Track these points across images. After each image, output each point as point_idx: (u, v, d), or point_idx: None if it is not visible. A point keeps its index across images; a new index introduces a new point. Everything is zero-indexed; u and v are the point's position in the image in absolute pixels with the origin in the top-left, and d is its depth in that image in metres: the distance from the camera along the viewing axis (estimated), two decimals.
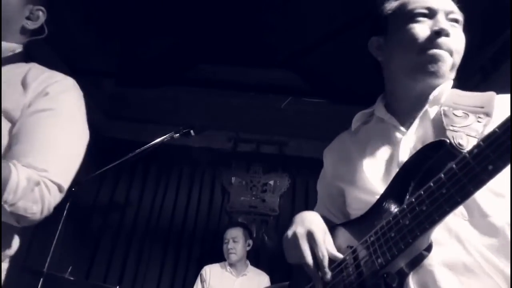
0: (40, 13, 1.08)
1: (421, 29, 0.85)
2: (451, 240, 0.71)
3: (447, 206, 0.60)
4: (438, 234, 0.70)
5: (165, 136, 2.35)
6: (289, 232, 0.85)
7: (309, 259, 0.78)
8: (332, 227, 0.88)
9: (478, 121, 0.74)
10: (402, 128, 0.87)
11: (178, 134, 2.38)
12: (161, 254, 3.47)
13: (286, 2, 2.57)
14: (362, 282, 0.70)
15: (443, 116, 0.78)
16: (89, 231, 3.54)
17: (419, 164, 0.72)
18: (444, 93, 0.86)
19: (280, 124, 3.74)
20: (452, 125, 0.74)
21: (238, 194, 3.71)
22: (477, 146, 0.59)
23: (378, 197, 0.79)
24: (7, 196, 0.81)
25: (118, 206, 3.60)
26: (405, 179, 0.73)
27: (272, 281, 2.90)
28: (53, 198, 0.92)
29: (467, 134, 0.71)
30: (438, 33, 0.82)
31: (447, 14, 0.86)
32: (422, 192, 0.65)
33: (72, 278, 2.04)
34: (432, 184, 0.64)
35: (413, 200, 0.66)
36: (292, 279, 0.94)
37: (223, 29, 2.86)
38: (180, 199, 3.69)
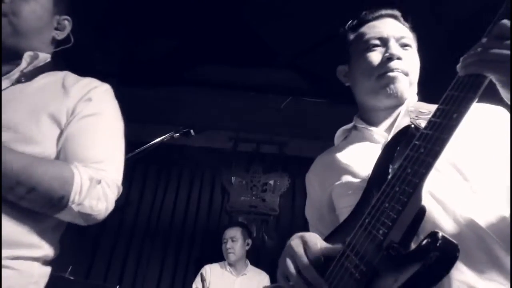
0: (66, 22, 1.12)
1: (376, 57, 0.96)
2: (447, 217, 0.75)
3: (429, 158, 0.66)
4: (435, 213, 0.75)
5: (165, 136, 2.35)
6: (285, 248, 0.85)
7: (304, 258, 0.77)
8: (325, 237, 0.87)
9: None
10: (381, 132, 0.96)
11: (178, 134, 2.38)
12: (161, 254, 3.47)
13: (287, 2, 2.58)
14: (367, 262, 0.69)
15: (409, 112, 0.89)
16: (89, 231, 3.54)
17: (392, 149, 0.80)
18: (411, 105, 0.95)
19: (280, 124, 3.74)
20: (416, 116, 0.85)
21: (238, 193, 3.71)
22: (437, 110, 0.70)
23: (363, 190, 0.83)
24: (74, 196, 0.86)
25: (118, 206, 3.59)
26: (383, 165, 0.80)
27: (272, 280, 2.90)
28: (114, 195, 0.97)
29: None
30: (390, 58, 0.93)
31: (398, 40, 0.97)
32: (402, 162, 0.71)
33: (72, 278, 2.04)
34: (409, 152, 0.71)
35: (396, 171, 0.72)
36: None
37: (223, 29, 2.86)
38: (180, 199, 3.70)
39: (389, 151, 0.81)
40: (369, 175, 0.83)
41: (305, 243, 0.80)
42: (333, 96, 3.40)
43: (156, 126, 3.27)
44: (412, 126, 0.80)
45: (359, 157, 0.94)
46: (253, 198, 3.69)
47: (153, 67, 3.32)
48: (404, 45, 0.97)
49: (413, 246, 0.68)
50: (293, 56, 3.09)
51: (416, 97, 1.01)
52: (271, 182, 3.77)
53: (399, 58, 0.94)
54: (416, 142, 0.70)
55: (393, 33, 0.97)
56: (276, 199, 3.69)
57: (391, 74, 0.93)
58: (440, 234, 0.62)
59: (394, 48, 0.94)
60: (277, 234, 3.54)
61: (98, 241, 3.51)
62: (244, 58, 3.13)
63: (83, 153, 0.93)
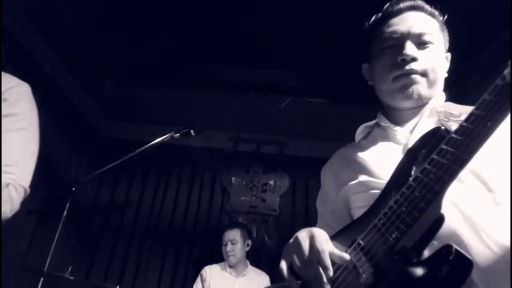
0: None
1: (391, 59, 0.92)
2: (467, 228, 0.71)
3: (455, 166, 0.63)
4: (455, 223, 0.71)
5: (165, 136, 2.35)
6: (291, 240, 0.84)
7: (307, 255, 0.76)
8: (336, 233, 0.87)
9: None
10: (405, 132, 0.92)
11: (178, 134, 2.38)
12: (161, 254, 3.47)
13: (287, 3, 2.58)
14: (376, 264, 0.69)
15: (438, 113, 0.85)
16: (89, 231, 3.54)
17: (418, 151, 0.76)
18: (439, 104, 0.92)
19: (280, 124, 3.74)
20: (446, 118, 0.81)
21: (238, 194, 3.71)
22: (471, 114, 0.64)
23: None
24: None
25: (118, 206, 3.60)
26: (407, 166, 0.76)
27: (272, 281, 2.90)
28: (19, 198, 0.97)
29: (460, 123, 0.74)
30: (403, 60, 0.89)
31: (416, 37, 0.91)
32: (426, 165, 0.67)
33: (72, 278, 2.04)
34: (435, 156, 0.67)
35: (419, 174, 0.68)
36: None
37: (224, 29, 2.86)
38: (180, 199, 3.69)
39: (415, 152, 0.77)
40: (389, 176, 0.81)
41: (311, 238, 0.78)
42: (333, 96, 3.41)
43: (156, 126, 3.28)
44: (442, 128, 0.76)
45: (379, 157, 0.92)
46: (253, 198, 3.69)
47: (154, 67, 3.32)
48: (423, 43, 0.91)
49: (426, 253, 0.66)
50: (293, 56, 3.09)
51: (443, 95, 0.97)
52: (271, 182, 3.77)
53: (414, 59, 0.89)
54: (444, 147, 0.66)
55: (410, 30, 0.91)
56: (276, 199, 3.69)
57: (405, 76, 0.90)
58: (454, 248, 0.60)
59: (409, 48, 0.90)
60: (277, 234, 3.53)
61: (98, 241, 3.51)
62: (245, 58, 3.14)
63: None
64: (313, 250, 0.76)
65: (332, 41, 2.81)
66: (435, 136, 0.75)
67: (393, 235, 0.68)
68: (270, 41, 2.95)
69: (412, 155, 0.78)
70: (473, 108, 0.65)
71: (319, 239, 0.76)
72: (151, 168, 3.80)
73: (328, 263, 0.73)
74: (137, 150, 2.31)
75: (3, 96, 0.98)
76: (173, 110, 3.66)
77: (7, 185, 0.92)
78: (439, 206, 0.65)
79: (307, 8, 2.58)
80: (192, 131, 2.40)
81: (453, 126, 0.72)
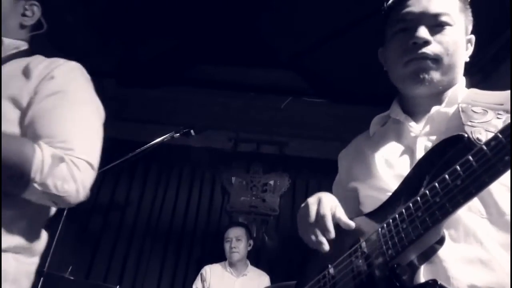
0: (35, 8, 1.06)
1: (402, 42, 0.87)
2: (468, 238, 0.70)
3: (461, 197, 0.59)
4: (455, 231, 0.70)
5: (165, 136, 2.35)
6: (302, 204, 0.90)
7: (313, 219, 0.82)
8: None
9: (498, 118, 0.74)
10: (417, 127, 0.87)
11: (178, 134, 2.38)
12: (161, 254, 3.47)
13: (287, 3, 2.58)
14: (371, 273, 0.70)
15: (461, 112, 0.77)
16: (89, 231, 3.54)
17: (435, 158, 0.71)
18: (460, 92, 0.86)
19: (280, 124, 3.74)
20: (470, 121, 0.74)
21: (238, 194, 3.71)
22: (494, 138, 0.58)
23: (389, 194, 0.79)
24: (35, 175, 0.80)
25: (118, 206, 3.60)
26: (420, 174, 0.73)
27: (272, 281, 2.90)
28: (85, 175, 0.90)
29: (486, 130, 0.69)
30: (415, 43, 0.84)
31: (431, 18, 0.85)
32: (436, 184, 0.64)
33: (72, 278, 2.04)
34: (447, 176, 0.63)
35: (427, 192, 0.65)
36: (297, 278, 0.94)
37: (223, 29, 2.87)
38: (180, 199, 3.69)
39: (430, 159, 0.73)
40: (397, 183, 0.78)
41: (319, 204, 0.83)
42: (333, 96, 3.40)
43: (156, 126, 3.28)
44: (466, 136, 0.68)
45: (390, 162, 0.87)
46: (253, 198, 3.69)
47: (153, 67, 3.32)
48: (438, 25, 0.84)
49: (422, 269, 0.68)
50: (293, 56, 3.09)
51: (463, 81, 0.91)
52: (271, 182, 3.77)
53: (426, 42, 0.83)
54: (457, 168, 0.61)
55: (425, 11, 0.85)
56: (276, 199, 3.69)
57: (416, 61, 0.84)
58: (439, 284, 0.61)
59: (422, 31, 0.83)
60: (277, 234, 3.53)
61: (98, 241, 3.50)
62: (244, 58, 3.14)
63: (47, 132, 0.87)
64: (318, 215, 0.82)
65: (332, 41, 2.81)
66: (455, 145, 0.69)
67: (389, 251, 0.68)
68: (270, 41, 2.95)
69: (427, 162, 0.74)
70: (498, 130, 0.58)
71: (324, 204, 0.83)
72: (151, 168, 3.80)
73: (329, 225, 0.79)
74: (137, 150, 2.31)
75: (50, 74, 0.93)
76: (173, 110, 3.66)
77: (62, 159, 0.84)
78: (439, 231, 0.64)
79: (307, 8, 2.58)
80: (192, 131, 2.40)
81: (476, 132, 0.69)
